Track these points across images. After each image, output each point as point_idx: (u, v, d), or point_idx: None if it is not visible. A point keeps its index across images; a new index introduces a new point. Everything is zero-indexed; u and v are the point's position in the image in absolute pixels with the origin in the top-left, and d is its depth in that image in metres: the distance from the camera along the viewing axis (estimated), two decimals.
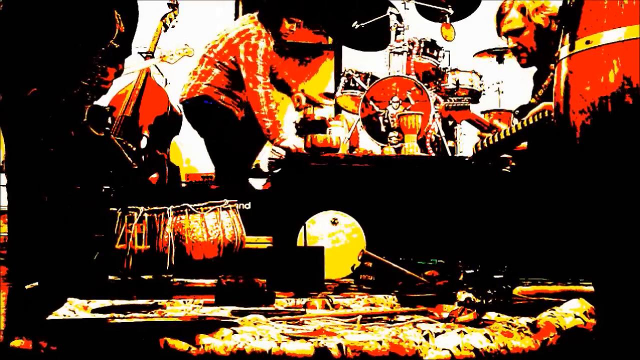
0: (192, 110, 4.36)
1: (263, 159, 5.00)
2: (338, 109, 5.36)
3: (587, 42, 1.28)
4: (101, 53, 2.57)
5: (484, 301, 2.01)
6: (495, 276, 2.12)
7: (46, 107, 2.47)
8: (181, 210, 3.28)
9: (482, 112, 4.63)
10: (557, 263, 3.09)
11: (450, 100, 4.50)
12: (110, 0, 2.61)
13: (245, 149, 4.39)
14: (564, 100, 1.34)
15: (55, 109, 2.49)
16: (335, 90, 5.20)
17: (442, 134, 4.37)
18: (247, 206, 3.86)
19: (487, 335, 1.64)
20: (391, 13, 4.67)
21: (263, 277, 2.54)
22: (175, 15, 5.06)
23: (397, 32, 4.67)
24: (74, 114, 2.55)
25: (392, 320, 1.99)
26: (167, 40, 5.07)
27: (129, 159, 3.06)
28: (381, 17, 4.72)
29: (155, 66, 4.90)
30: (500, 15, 3.14)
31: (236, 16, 6.00)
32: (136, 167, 3.12)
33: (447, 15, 4.80)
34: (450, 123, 4.66)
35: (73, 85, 2.53)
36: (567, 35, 1.34)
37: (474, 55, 4.94)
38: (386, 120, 4.29)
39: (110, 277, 2.94)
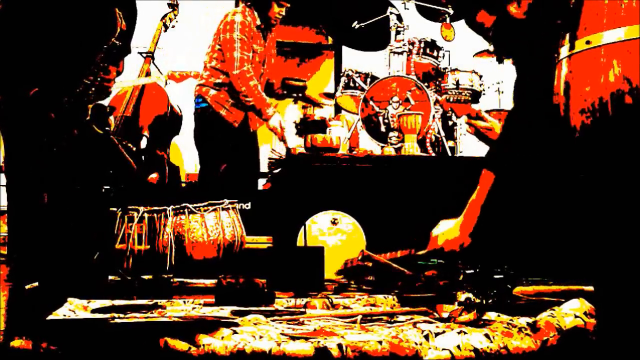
0: (194, 114, 4.35)
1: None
2: (338, 109, 5.36)
3: (587, 42, 1.28)
4: (103, 51, 2.57)
5: (484, 301, 2.00)
6: (495, 276, 2.12)
7: (48, 106, 2.47)
8: (181, 210, 3.28)
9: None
10: (557, 263, 3.09)
11: (452, 93, 4.50)
12: None
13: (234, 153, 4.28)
14: (564, 100, 1.34)
15: (59, 108, 2.49)
16: (335, 90, 5.20)
17: (442, 134, 4.37)
18: (247, 206, 3.86)
19: (487, 335, 1.64)
20: (391, 13, 4.68)
21: (263, 277, 2.54)
22: (175, 15, 5.06)
23: (397, 32, 4.67)
24: (77, 112, 2.55)
25: (392, 320, 1.99)
26: (167, 40, 5.08)
27: (129, 158, 3.06)
28: (381, 17, 4.73)
29: (155, 66, 4.91)
30: None
31: None
32: (135, 167, 3.11)
33: (447, 15, 4.80)
34: (450, 123, 4.66)
35: (76, 83, 2.53)
36: (567, 35, 1.34)
37: (474, 55, 4.94)
38: (386, 120, 4.29)
39: (110, 277, 2.94)
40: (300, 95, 4.60)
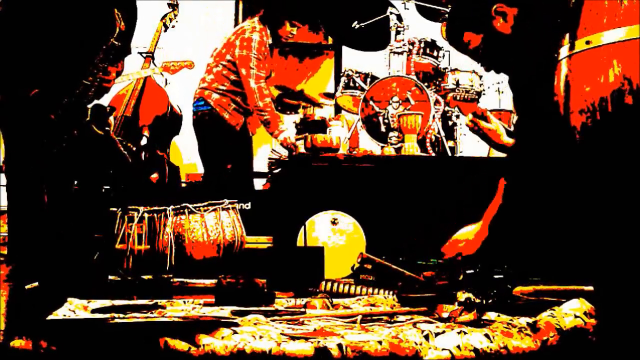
0: (194, 116, 4.35)
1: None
2: (338, 109, 5.36)
3: (587, 42, 1.28)
4: (103, 51, 2.58)
5: (484, 301, 2.01)
6: (495, 276, 2.12)
7: (49, 107, 2.48)
8: (181, 210, 3.28)
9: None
10: (556, 263, 3.09)
11: (459, 91, 4.51)
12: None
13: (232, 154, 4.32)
14: (564, 100, 1.34)
15: (59, 108, 2.49)
16: (335, 90, 5.20)
17: (442, 134, 4.37)
18: (247, 206, 3.86)
19: (487, 335, 1.64)
20: (391, 13, 4.68)
21: (263, 277, 2.54)
22: (175, 15, 5.06)
23: (397, 32, 4.67)
24: (77, 113, 2.56)
25: (392, 320, 1.99)
26: (167, 40, 5.07)
27: (129, 158, 3.06)
28: (381, 17, 4.73)
29: (155, 66, 4.90)
30: None
31: (236, 16, 6.01)
32: (134, 167, 3.12)
33: (447, 15, 4.80)
34: (450, 123, 4.66)
35: (75, 84, 2.54)
36: (567, 35, 1.34)
37: None
38: (386, 120, 4.29)
39: (110, 277, 2.94)
40: (294, 112, 4.71)
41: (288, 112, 4.80)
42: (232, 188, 4.11)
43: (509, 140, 2.66)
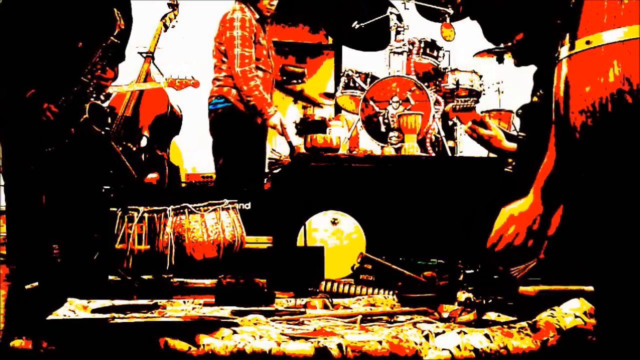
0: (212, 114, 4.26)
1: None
2: (338, 109, 5.36)
3: (587, 42, 1.28)
4: (102, 49, 2.58)
5: (484, 301, 2.00)
6: (495, 276, 2.11)
7: (46, 107, 2.47)
8: (181, 210, 3.28)
9: (482, 112, 4.64)
10: (556, 263, 3.08)
11: (458, 101, 4.51)
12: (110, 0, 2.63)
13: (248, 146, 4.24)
14: (564, 100, 1.34)
15: (56, 107, 2.49)
16: (335, 90, 5.20)
17: (442, 134, 4.38)
18: (247, 206, 3.85)
19: (487, 335, 1.64)
20: (391, 13, 4.68)
21: (263, 277, 2.54)
22: (175, 15, 5.05)
23: (397, 32, 4.67)
24: (74, 111, 2.56)
25: (392, 320, 1.99)
26: (167, 40, 5.07)
27: (131, 168, 3.07)
28: (381, 17, 4.73)
29: (155, 66, 4.90)
30: None
31: None
32: (135, 175, 3.12)
33: (447, 15, 4.80)
34: (450, 123, 4.67)
35: (74, 82, 2.54)
36: (567, 35, 1.34)
37: (474, 55, 4.94)
38: (386, 120, 4.29)
39: (110, 277, 2.94)
40: (299, 81, 4.58)
41: (293, 82, 4.71)
42: (247, 185, 4.05)
43: (510, 145, 2.65)
